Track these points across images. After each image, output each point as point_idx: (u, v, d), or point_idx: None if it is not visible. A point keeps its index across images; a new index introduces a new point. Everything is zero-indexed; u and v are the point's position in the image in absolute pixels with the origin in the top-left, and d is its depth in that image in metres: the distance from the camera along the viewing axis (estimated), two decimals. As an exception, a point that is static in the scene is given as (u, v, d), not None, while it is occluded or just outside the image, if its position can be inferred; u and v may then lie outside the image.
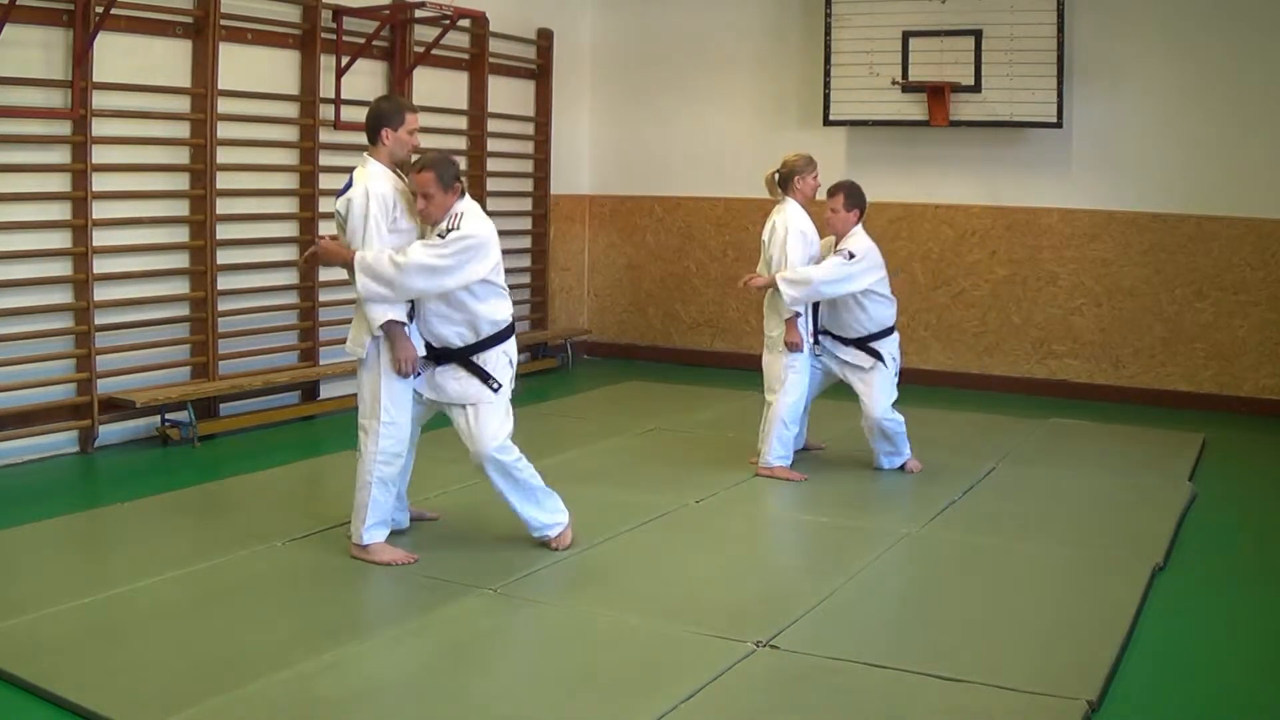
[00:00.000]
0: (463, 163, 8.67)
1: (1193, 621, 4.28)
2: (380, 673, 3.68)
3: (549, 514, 4.79)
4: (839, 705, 3.50)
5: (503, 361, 4.69)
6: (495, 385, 4.65)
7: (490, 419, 4.62)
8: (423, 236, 4.58)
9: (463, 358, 4.65)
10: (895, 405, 6.07)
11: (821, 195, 6.17)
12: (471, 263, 4.50)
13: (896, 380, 6.14)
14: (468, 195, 4.65)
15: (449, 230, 4.47)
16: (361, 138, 4.77)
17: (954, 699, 3.52)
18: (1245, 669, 3.90)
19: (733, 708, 3.46)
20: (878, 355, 6.05)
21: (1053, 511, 5.57)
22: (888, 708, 3.48)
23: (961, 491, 5.81)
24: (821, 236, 6.13)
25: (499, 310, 4.68)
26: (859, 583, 4.54)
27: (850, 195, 6.06)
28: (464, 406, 4.64)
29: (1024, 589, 4.56)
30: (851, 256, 5.94)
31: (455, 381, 4.65)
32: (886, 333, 6.11)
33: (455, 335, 4.63)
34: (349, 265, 4.53)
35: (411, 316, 4.59)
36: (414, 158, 4.63)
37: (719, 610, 4.21)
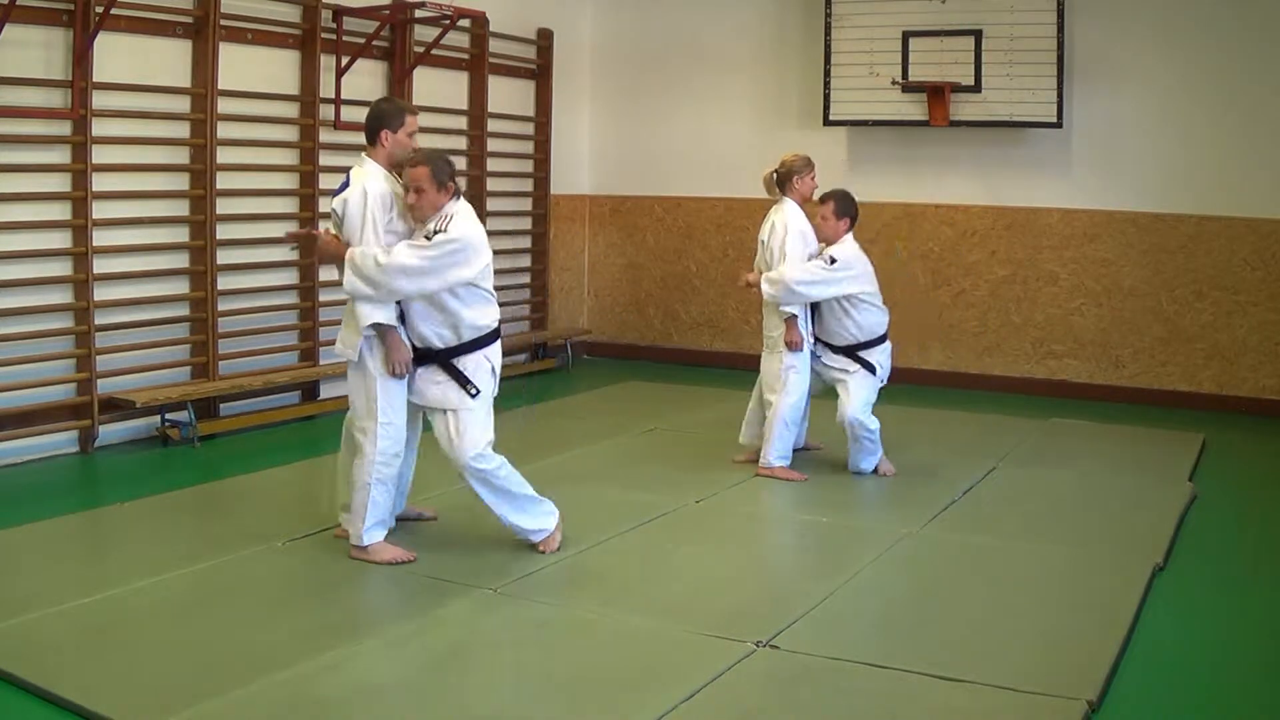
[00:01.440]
0: (462, 163, 8.68)
1: (1193, 621, 4.28)
2: (380, 673, 3.68)
3: (534, 518, 4.75)
4: (839, 705, 3.50)
5: (484, 367, 4.64)
6: (473, 391, 4.59)
7: (470, 427, 4.58)
8: (411, 235, 4.57)
9: (442, 360, 4.61)
10: (876, 408, 6.06)
11: (815, 198, 6.17)
12: (456, 266, 4.47)
13: (881, 386, 6.13)
14: (462, 197, 4.63)
15: (437, 231, 4.45)
16: (362, 138, 4.77)
17: (954, 699, 3.52)
18: (1245, 669, 3.90)
19: (733, 708, 3.46)
20: (865, 364, 6.05)
21: (1053, 511, 5.57)
22: (888, 708, 3.49)
23: (961, 491, 5.81)
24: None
25: (483, 315, 4.63)
26: (859, 583, 4.54)
27: (840, 204, 6.06)
28: (444, 412, 4.62)
29: (1024, 589, 4.56)
30: (833, 261, 5.95)
31: (435, 386, 4.62)
32: (876, 341, 6.10)
33: (435, 336, 4.60)
34: (341, 261, 4.53)
35: (403, 319, 4.59)
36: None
37: (719, 610, 4.21)
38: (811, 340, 6.11)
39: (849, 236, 6.09)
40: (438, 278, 4.46)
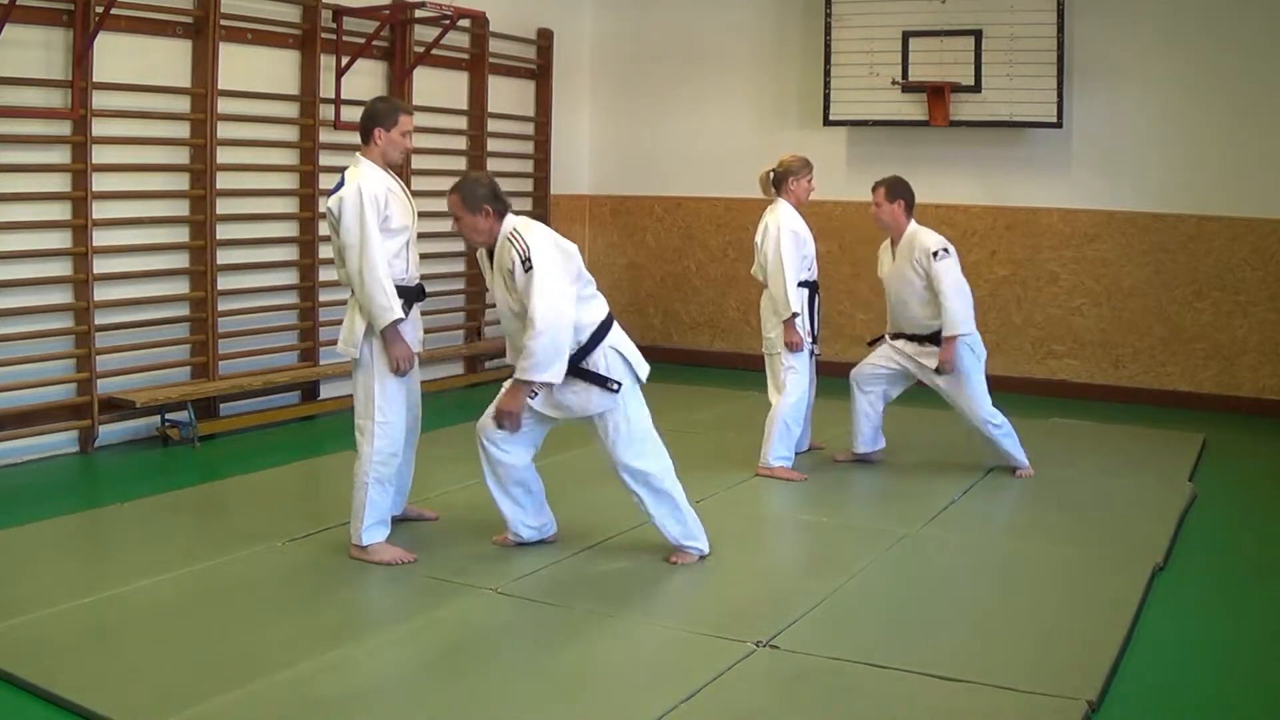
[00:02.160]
0: (462, 163, 8.68)
1: (1193, 621, 4.28)
2: (380, 673, 3.68)
3: (689, 528, 4.69)
4: (839, 705, 3.50)
5: (612, 358, 4.53)
6: (614, 386, 4.50)
7: (622, 426, 4.51)
8: (406, 231, 4.57)
9: (573, 368, 4.48)
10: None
11: (820, 196, 6.15)
12: (564, 281, 4.39)
13: (982, 364, 6.01)
14: (511, 214, 4.55)
15: (525, 260, 4.35)
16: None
17: (954, 699, 3.52)
18: (1245, 668, 3.90)
19: (733, 708, 3.46)
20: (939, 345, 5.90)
21: (1053, 511, 5.57)
22: (888, 708, 3.48)
23: (961, 492, 5.81)
24: (877, 242, 6.02)
25: (589, 312, 4.52)
26: (859, 583, 4.54)
27: (892, 187, 5.93)
28: (595, 419, 4.55)
29: (1024, 589, 4.56)
30: (947, 252, 5.83)
31: (574, 395, 4.52)
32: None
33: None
34: (523, 392, 4.44)
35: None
36: (408, 159, 4.62)
37: (719, 610, 4.22)
38: (809, 340, 6.10)
39: (914, 223, 5.95)
40: (569, 299, 4.38)
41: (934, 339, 5.92)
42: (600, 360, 4.51)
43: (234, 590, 4.33)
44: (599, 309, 4.59)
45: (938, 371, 5.90)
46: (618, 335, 4.60)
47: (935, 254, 5.82)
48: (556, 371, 4.37)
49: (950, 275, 5.82)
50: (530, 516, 4.79)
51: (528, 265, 4.34)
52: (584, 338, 4.50)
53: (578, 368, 4.49)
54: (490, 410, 4.58)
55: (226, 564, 4.58)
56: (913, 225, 5.98)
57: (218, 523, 5.24)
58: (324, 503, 5.33)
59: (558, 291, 4.35)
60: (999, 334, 8.77)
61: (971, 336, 5.93)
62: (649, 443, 4.61)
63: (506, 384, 4.52)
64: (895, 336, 6.12)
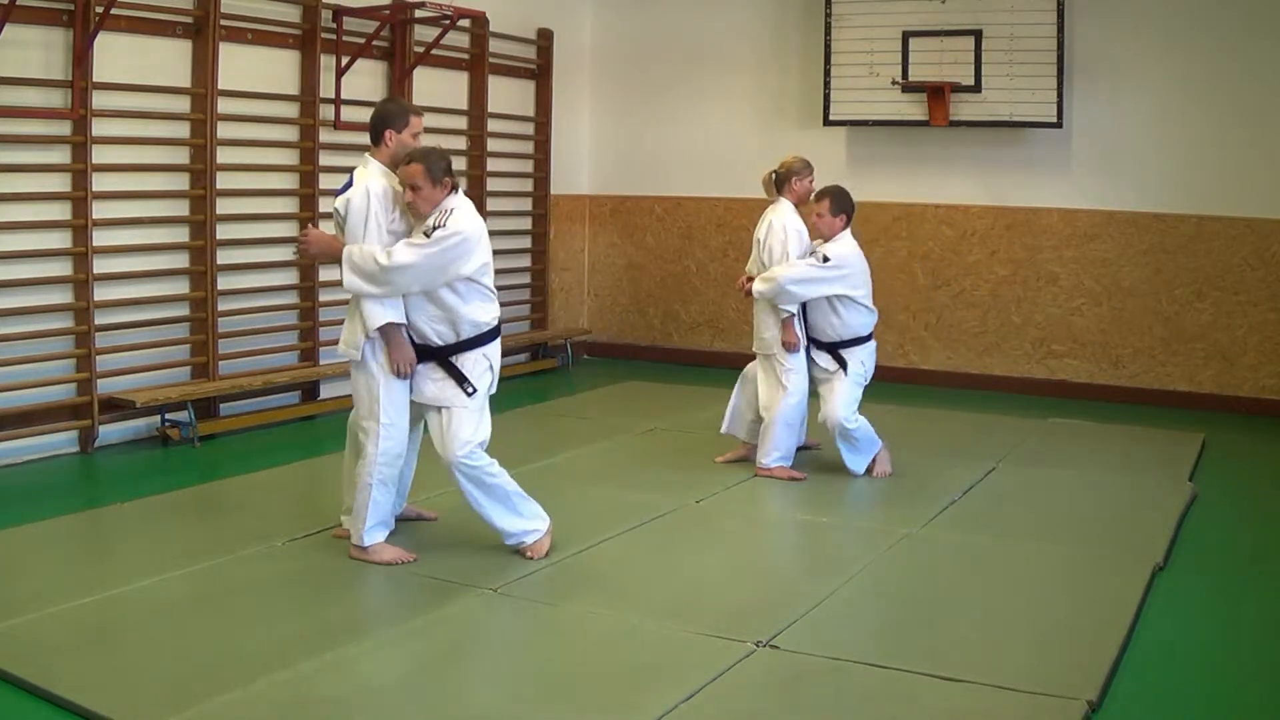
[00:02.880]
0: (462, 163, 8.68)
1: (1193, 621, 4.28)
2: (380, 673, 3.68)
3: (522, 520, 4.70)
4: (839, 705, 3.50)
5: (481, 365, 4.62)
6: (470, 389, 4.57)
7: (463, 425, 4.56)
8: (410, 231, 4.57)
9: (441, 357, 4.59)
10: (870, 408, 6.06)
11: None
12: (456, 260, 4.47)
13: (864, 385, 6.10)
14: (460, 192, 4.61)
15: (435, 227, 4.44)
16: (362, 137, 4.78)
17: (954, 699, 3.52)
18: (1245, 669, 3.90)
19: (733, 708, 3.46)
20: (843, 362, 6.04)
21: (1053, 511, 5.57)
22: (888, 708, 3.49)
23: (961, 491, 5.81)
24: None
25: (483, 312, 4.61)
26: (859, 583, 4.54)
27: (836, 201, 6.04)
28: (438, 409, 4.60)
29: (1024, 589, 4.56)
30: (826, 260, 5.94)
31: (431, 383, 4.60)
32: (858, 341, 6.07)
33: (434, 333, 4.58)
34: (336, 258, 4.52)
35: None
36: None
37: (719, 610, 4.21)
38: (806, 340, 6.11)
39: (846, 234, 6.07)
40: (438, 273, 4.46)
41: (829, 348, 6.06)
42: (469, 361, 4.59)
43: (234, 590, 4.33)
44: (489, 312, 4.65)
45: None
46: (496, 348, 4.69)
47: (824, 257, 5.93)
48: (353, 282, 4.44)
49: (803, 266, 5.90)
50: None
51: (432, 231, 4.43)
52: (466, 334, 4.58)
53: (446, 360, 4.57)
54: None
55: (226, 564, 4.58)
56: (845, 234, 6.06)
57: (218, 523, 5.23)
58: (324, 503, 5.33)
59: (424, 256, 4.40)
60: (999, 334, 8.78)
61: (865, 349, 6.06)
62: (479, 445, 4.60)
63: None
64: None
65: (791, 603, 4.26)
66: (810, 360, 6.13)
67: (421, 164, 4.47)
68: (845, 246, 6.03)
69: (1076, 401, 8.35)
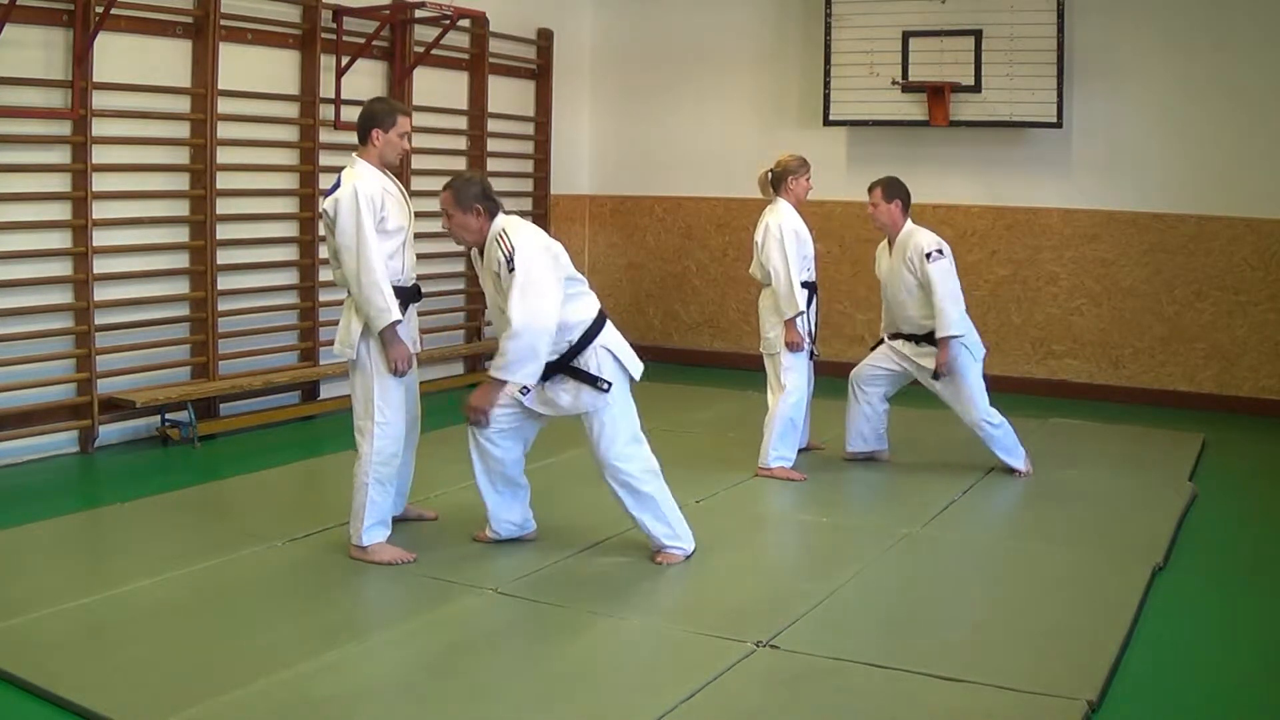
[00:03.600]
0: (463, 163, 8.68)
1: (1193, 621, 4.28)
2: (380, 673, 3.68)
3: (673, 529, 4.69)
4: (839, 705, 3.50)
5: (603, 356, 4.54)
6: (604, 385, 4.51)
7: (609, 425, 4.53)
8: (404, 231, 4.58)
9: (564, 366, 4.52)
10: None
11: (820, 196, 6.15)
12: (550, 279, 4.41)
13: (979, 364, 6.00)
14: (502, 214, 4.53)
15: (509, 259, 4.35)
16: (362, 138, 4.77)
17: (954, 699, 3.52)
18: (1245, 668, 3.90)
19: (733, 708, 3.46)
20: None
21: (1053, 511, 5.57)
22: (888, 708, 3.49)
23: (961, 491, 5.81)
24: (874, 242, 6.04)
25: (580, 310, 4.55)
26: (859, 583, 4.54)
27: (887, 189, 5.95)
28: (583, 417, 4.56)
29: (1024, 589, 4.56)
30: (940, 253, 5.84)
31: (566, 393, 4.54)
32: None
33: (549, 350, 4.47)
34: (499, 385, 4.43)
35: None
36: (407, 160, 4.61)
37: (719, 610, 4.21)
38: (809, 341, 6.10)
39: (910, 223, 5.97)
40: (552, 298, 4.39)
41: (930, 339, 5.93)
42: (591, 359, 4.53)
43: (234, 590, 4.33)
44: (589, 307, 4.61)
45: (935, 376, 5.91)
46: (610, 334, 4.61)
47: (929, 255, 5.83)
48: (529, 373, 4.38)
49: (944, 277, 5.82)
50: (514, 513, 4.81)
51: (511, 265, 4.36)
52: (574, 336, 4.52)
53: (569, 366, 4.51)
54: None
55: (226, 564, 4.58)
56: (909, 225, 5.99)
57: (218, 523, 5.23)
58: (324, 503, 5.33)
59: (539, 294, 4.35)
60: (999, 334, 8.77)
61: (968, 336, 5.93)
62: (634, 444, 4.61)
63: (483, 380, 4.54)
64: (894, 337, 6.12)
65: (791, 603, 4.26)
66: (911, 360, 6.00)
67: (450, 192, 4.47)
68: (928, 233, 5.92)
69: (1076, 401, 8.35)
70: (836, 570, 4.65)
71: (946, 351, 5.83)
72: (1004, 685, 3.58)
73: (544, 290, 4.37)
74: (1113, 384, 8.46)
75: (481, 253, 4.55)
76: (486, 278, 4.54)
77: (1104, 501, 5.77)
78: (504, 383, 4.41)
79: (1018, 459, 6.05)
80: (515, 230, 4.47)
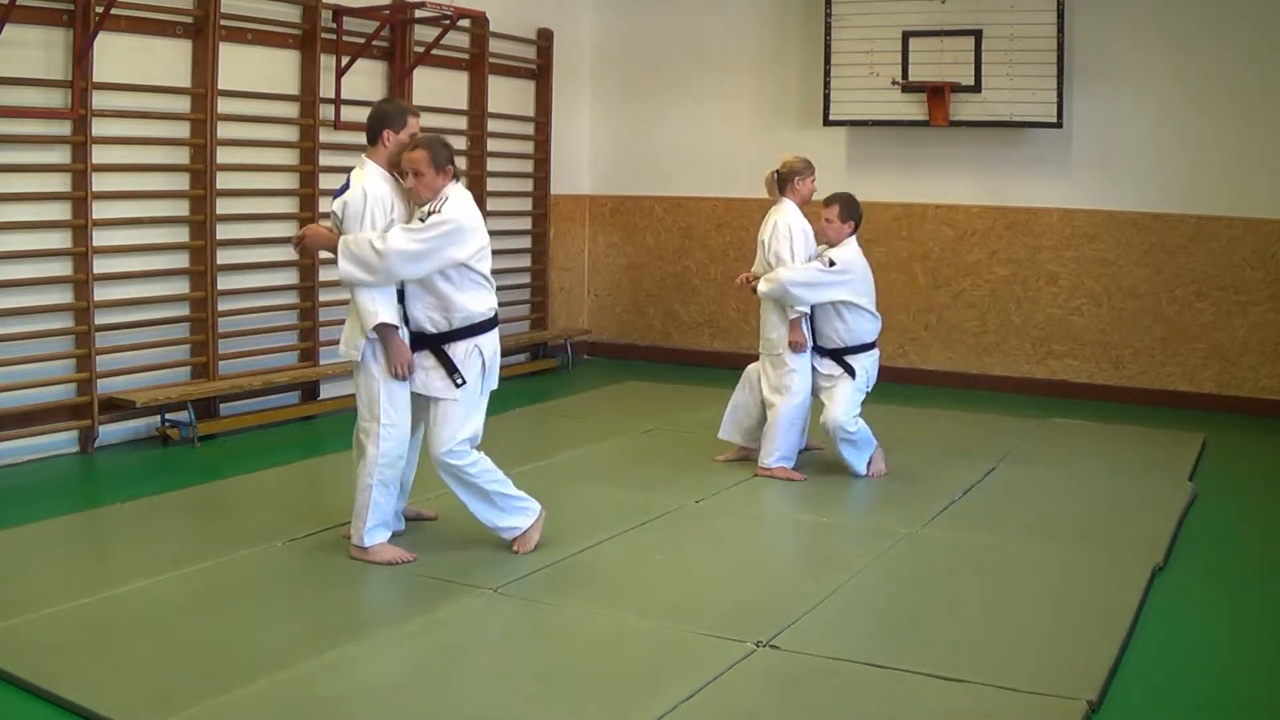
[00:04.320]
0: (463, 163, 8.68)
1: (1193, 621, 4.28)
2: (380, 673, 3.68)
3: (507, 515, 4.72)
4: (839, 705, 3.50)
5: (473, 356, 4.60)
6: (459, 381, 4.56)
7: (449, 419, 4.55)
8: (409, 219, 4.58)
9: (433, 345, 4.59)
10: (872, 409, 6.07)
11: (818, 198, 6.17)
12: (450, 247, 4.46)
13: (865, 393, 6.09)
14: (459, 182, 4.63)
15: (431, 213, 4.46)
16: (362, 138, 4.77)
17: (954, 699, 3.52)
18: (1245, 668, 3.90)
19: (733, 708, 3.46)
20: (849, 368, 6.04)
21: (1053, 511, 5.57)
22: (888, 708, 3.49)
23: (961, 491, 5.81)
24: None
25: (477, 302, 4.60)
26: (859, 583, 4.54)
27: (846, 207, 6.05)
28: (431, 400, 4.60)
29: (1024, 589, 4.56)
30: (832, 264, 5.95)
31: (422, 371, 4.59)
32: (864, 348, 6.08)
33: (427, 320, 4.58)
34: (333, 249, 4.52)
35: (406, 320, 4.60)
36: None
37: (719, 610, 4.21)
38: (812, 342, 6.10)
39: (852, 240, 6.08)
40: (432, 259, 4.45)
41: (835, 355, 6.05)
42: (461, 352, 4.58)
43: (234, 590, 4.33)
44: (485, 304, 4.64)
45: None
46: (491, 340, 4.66)
47: (831, 261, 5.94)
48: (349, 272, 4.43)
49: (809, 270, 5.90)
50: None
51: (428, 214, 4.46)
52: (457, 321, 4.57)
53: (437, 347, 4.56)
54: None
55: (226, 564, 4.58)
56: (849, 242, 6.06)
57: (218, 523, 5.23)
58: (324, 503, 5.33)
59: (423, 243, 4.41)
60: (999, 334, 8.78)
61: (869, 356, 6.06)
62: (465, 444, 4.60)
63: None
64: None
65: (791, 603, 4.26)
66: (813, 367, 6.12)
67: (426, 150, 4.50)
68: (850, 252, 6.03)
69: (1076, 401, 8.35)
70: (836, 570, 4.65)
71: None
72: (1004, 685, 3.58)
73: (428, 248, 4.42)
74: (1113, 384, 8.46)
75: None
76: (397, 224, 4.57)
77: (1104, 501, 5.77)
78: (335, 241, 4.49)
79: (857, 466, 6.06)
80: (458, 199, 4.55)
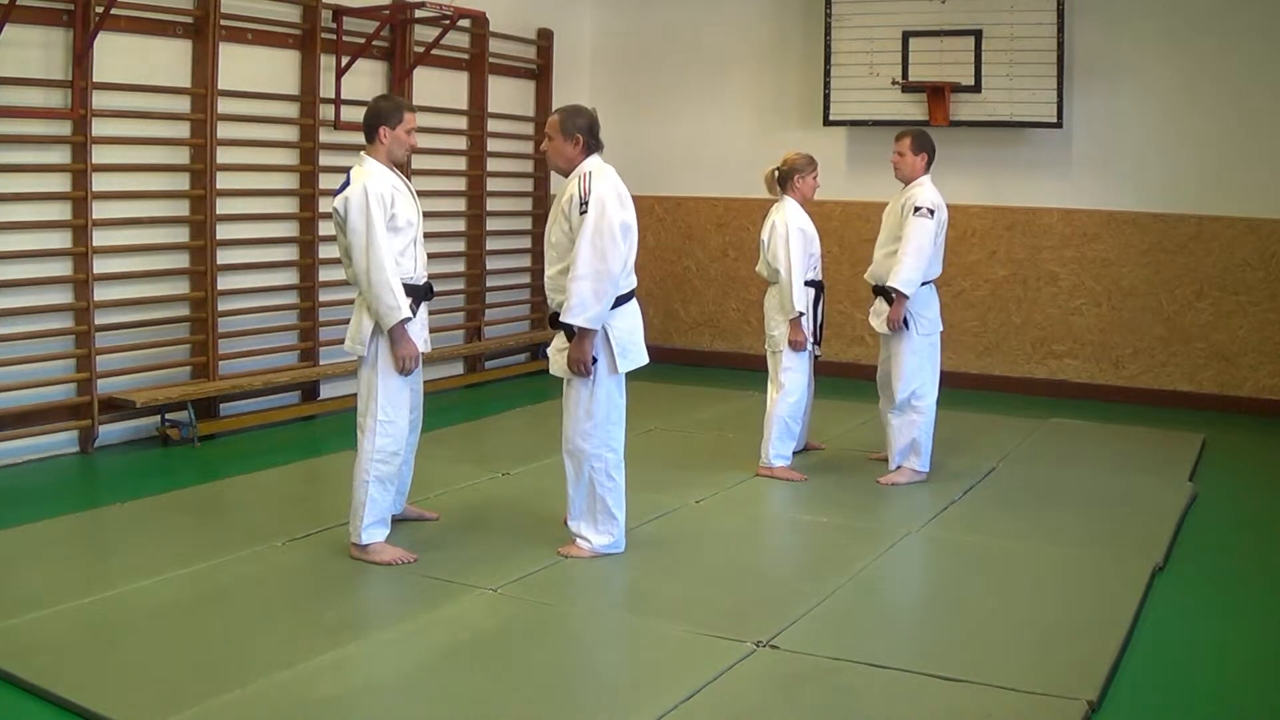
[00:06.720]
0: (463, 163, 8.68)
1: (1193, 621, 4.28)
2: (380, 673, 3.68)
3: (591, 529, 4.71)
4: (839, 705, 3.50)
5: (599, 335, 4.55)
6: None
7: (579, 402, 4.56)
8: (414, 225, 4.60)
9: (562, 324, 4.54)
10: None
11: (820, 196, 6.15)
12: (621, 237, 4.46)
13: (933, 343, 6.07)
14: (597, 156, 4.63)
15: (583, 205, 4.46)
16: (361, 137, 4.77)
17: (954, 699, 3.52)
18: (1245, 669, 3.90)
19: (733, 708, 3.46)
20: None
21: (1053, 511, 5.57)
22: (888, 708, 3.49)
23: (961, 491, 5.82)
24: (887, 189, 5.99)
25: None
26: (859, 583, 4.54)
27: (918, 139, 5.92)
28: (566, 383, 4.60)
29: (1024, 589, 4.56)
30: (931, 214, 5.80)
31: (558, 353, 4.61)
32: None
33: (554, 301, 4.58)
34: (589, 336, 4.50)
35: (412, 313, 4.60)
36: (412, 157, 4.62)
37: (719, 610, 4.21)
38: (813, 341, 6.10)
39: (927, 178, 5.93)
40: (621, 248, 4.46)
41: (885, 294, 5.92)
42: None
43: (234, 590, 4.33)
44: (625, 283, 4.61)
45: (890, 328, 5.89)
46: (623, 319, 4.62)
47: (918, 209, 5.80)
48: (592, 317, 4.43)
49: (918, 233, 5.77)
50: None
51: (584, 208, 4.45)
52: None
53: (564, 324, 4.53)
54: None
55: (226, 564, 4.58)
56: (924, 179, 5.95)
57: (218, 523, 5.23)
58: (324, 503, 5.33)
59: (610, 242, 4.42)
60: (999, 334, 8.78)
61: (927, 322, 5.98)
62: (599, 430, 4.59)
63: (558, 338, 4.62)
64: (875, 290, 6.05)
65: (791, 603, 4.26)
66: (879, 320, 5.97)
67: (558, 115, 4.60)
68: (933, 191, 5.88)
69: (1076, 401, 8.35)
70: (836, 570, 4.65)
71: (900, 309, 5.83)
72: (1004, 685, 3.58)
73: (614, 239, 4.43)
74: (1113, 384, 8.46)
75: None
76: (556, 211, 4.60)
77: (1104, 501, 5.77)
78: (590, 331, 4.46)
79: (902, 460, 5.97)
80: (600, 176, 4.54)
